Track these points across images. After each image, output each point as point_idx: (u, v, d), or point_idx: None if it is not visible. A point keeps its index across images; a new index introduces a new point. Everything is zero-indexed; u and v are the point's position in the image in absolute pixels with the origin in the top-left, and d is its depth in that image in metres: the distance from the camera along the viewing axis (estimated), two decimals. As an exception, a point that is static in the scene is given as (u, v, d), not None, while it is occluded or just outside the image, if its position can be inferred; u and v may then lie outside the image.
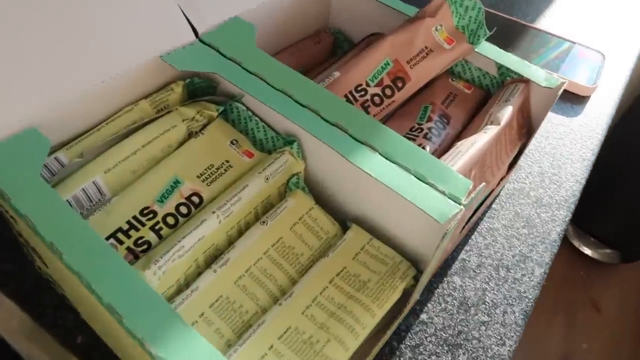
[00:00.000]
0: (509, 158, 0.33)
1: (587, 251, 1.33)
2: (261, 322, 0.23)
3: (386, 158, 0.25)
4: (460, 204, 0.24)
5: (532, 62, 0.49)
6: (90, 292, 0.19)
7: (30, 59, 0.25)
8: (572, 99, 0.48)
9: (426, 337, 0.29)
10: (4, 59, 0.24)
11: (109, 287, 0.19)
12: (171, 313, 0.19)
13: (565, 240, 1.38)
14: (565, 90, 0.48)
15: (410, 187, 0.24)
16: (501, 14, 0.56)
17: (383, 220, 0.27)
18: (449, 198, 0.24)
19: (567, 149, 0.43)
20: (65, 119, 0.27)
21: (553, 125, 0.45)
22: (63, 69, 0.26)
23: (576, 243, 1.35)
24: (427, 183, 0.24)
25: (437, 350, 0.28)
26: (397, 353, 0.28)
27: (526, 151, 0.42)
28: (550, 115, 0.46)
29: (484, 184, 0.24)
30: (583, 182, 0.39)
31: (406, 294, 0.26)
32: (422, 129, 0.32)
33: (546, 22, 0.57)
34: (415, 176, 0.25)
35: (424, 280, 0.27)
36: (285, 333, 0.22)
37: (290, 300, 0.24)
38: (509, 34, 0.53)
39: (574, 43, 0.52)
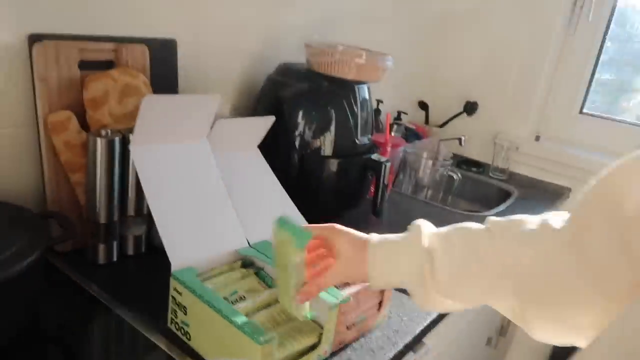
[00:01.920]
0: (373, 299, 0.76)
1: None
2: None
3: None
4: (339, 301, 0.67)
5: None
6: (222, 317, 0.62)
7: (188, 244, 0.73)
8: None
9: (331, 367, 0.67)
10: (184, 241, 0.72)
11: (228, 313, 0.62)
12: (243, 317, 0.61)
13: None
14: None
15: (328, 297, 0.68)
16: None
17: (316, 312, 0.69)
18: (336, 298, 0.68)
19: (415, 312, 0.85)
20: (198, 265, 0.72)
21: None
22: (199, 248, 0.73)
23: None
24: (332, 295, 0.68)
25: (334, 370, 0.66)
26: (317, 370, 0.66)
27: (390, 306, 0.84)
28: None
29: (348, 294, 0.68)
30: (424, 325, 0.81)
31: (319, 342, 0.67)
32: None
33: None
34: (328, 292, 0.69)
35: (326, 336, 0.67)
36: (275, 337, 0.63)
37: (278, 329, 0.65)
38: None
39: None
